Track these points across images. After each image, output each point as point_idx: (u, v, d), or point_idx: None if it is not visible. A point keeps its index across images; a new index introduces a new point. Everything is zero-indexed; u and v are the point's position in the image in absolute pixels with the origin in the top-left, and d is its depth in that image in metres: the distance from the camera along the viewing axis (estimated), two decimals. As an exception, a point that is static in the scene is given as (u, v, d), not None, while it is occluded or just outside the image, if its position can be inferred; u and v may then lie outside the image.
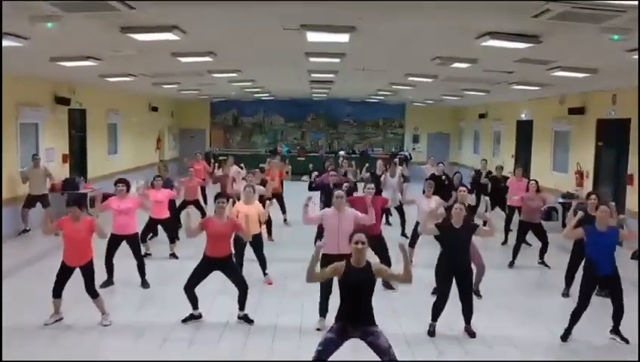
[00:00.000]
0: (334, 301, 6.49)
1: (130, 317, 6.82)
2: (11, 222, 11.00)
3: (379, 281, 7.96)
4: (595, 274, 6.29)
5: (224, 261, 6.68)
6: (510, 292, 8.26)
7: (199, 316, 6.75)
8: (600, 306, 6.82)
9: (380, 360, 4.64)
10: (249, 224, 7.93)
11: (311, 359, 4.63)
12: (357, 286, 4.63)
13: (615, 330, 6.37)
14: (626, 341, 6.29)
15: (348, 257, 4.75)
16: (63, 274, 6.48)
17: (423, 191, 11.94)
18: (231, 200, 7.77)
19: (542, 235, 9.66)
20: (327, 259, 6.50)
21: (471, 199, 10.66)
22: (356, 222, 6.56)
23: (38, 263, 9.13)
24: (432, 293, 7.82)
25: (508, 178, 12.36)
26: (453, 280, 6.43)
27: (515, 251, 9.66)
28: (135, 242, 8.03)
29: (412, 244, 9.35)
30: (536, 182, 9.88)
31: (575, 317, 6.34)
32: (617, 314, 6.32)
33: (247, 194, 8.10)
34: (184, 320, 6.69)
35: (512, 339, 6.46)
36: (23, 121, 11.46)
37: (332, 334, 4.69)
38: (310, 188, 10.86)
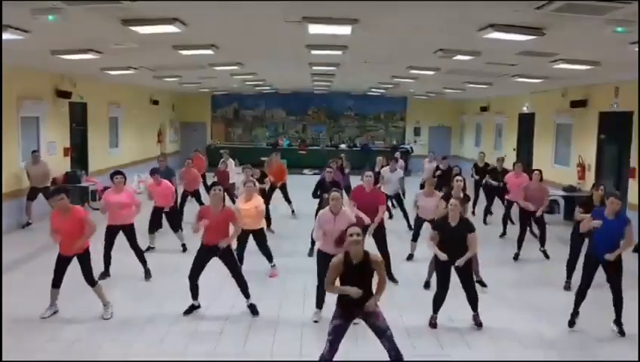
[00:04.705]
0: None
1: (130, 311, 6.82)
2: (14, 215, 11.02)
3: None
4: (596, 258, 6.32)
5: (221, 248, 6.68)
6: (511, 285, 8.25)
7: (199, 306, 6.78)
8: (605, 298, 6.81)
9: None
10: (251, 219, 7.95)
11: (324, 349, 4.74)
12: (357, 277, 4.73)
13: (617, 322, 6.38)
14: (623, 334, 6.31)
15: (346, 252, 4.76)
16: (61, 264, 6.47)
17: (421, 187, 11.95)
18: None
19: (541, 223, 9.63)
20: (323, 256, 6.55)
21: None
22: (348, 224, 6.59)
23: (39, 257, 9.14)
24: (425, 287, 7.85)
25: (507, 171, 12.35)
26: (452, 272, 6.43)
27: (520, 241, 9.61)
28: (131, 232, 7.95)
29: (415, 238, 9.35)
30: (540, 171, 9.79)
31: (580, 296, 6.38)
32: (617, 302, 6.34)
33: (247, 190, 8.07)
34: (185, 312, 6.70)
35: (513, 331, 6.47)
36: (24, 115, 11.44)
37: (339, 320, 4.80)
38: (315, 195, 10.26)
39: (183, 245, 9.70)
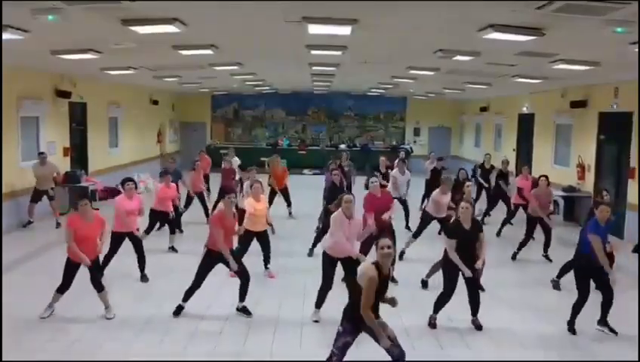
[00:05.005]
0: (331, 292, 6.56)
1: (129, 312, 6.80)
2: (14, 215, 11.01)
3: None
4: (590, 265, 6.33)
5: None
6: (511, 286, 8.26)
7: (184, 307, 6.72)
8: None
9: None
10: (258, 220, 7.98)
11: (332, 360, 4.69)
12: (383, 291, 4.71)
13: (603, 321, 6.42)
14: (615, 332, 6.34)
15: (377, 264, 4.63)
16: (72, 271, 6.43)
17: (427, 186, 11.95)
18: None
19: (547, 229, 9.62)
20: (329, 260, 6.55)
21: None
22: (359, 230, 6.61)
23: (39, 257, 9.15)
24: (422, 287, 7.85)
25: (509, 172, 12.36)
26: (460, 275, 6.42)
27: (522, 244, 9.62)
28: (137, 238, 7.99)
29: (416, 235, 9.36)
30: (547, 177, 9.78)
31: (576, 309, 6.41)
32: (607, 304, 6.38)
33: (255, 190, 8.11)
34: (175, 314, 6.66)
35: (513, 332, 6.47)
36: (23, 115, 11.44)
37: (348, 337, 4.70)
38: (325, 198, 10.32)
39: (173, 247, 9.67)
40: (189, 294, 6.70)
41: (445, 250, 6.57)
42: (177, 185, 10.27)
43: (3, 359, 5.39)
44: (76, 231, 6.29)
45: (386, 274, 4.67)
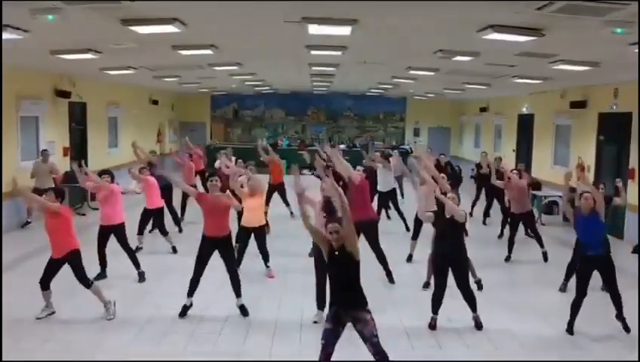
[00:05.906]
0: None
1: (128, 312, 6.78)
2: (13, 215, 11.00)
3: (381, 273, 8.05)
4: (585, 254, 6.38)
5: (223, 240, 6.67)
6: (510, 286, 8.27)
7: (191, 305, 6.70)
8: (601, 300, 6.83)
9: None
10: (254, 214, 7.97)
11: (320, 352, 4.73)
12: (340, 271, 4.77)
13: (619, 316, 6.42)
14: (627, 330, 6.34)
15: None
16: (50, 267, 6.46)
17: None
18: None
19: (531, 226, 9.62)
20: (318, 248, 6.57)
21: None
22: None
23: (39, 256, 9.09)
24: (423, 288, 7.85)
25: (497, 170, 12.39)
26: (449, 271, 6.44)
27: (510, 244, 9.60)
28: (120, 232, 7.88)
29: (415, 237, 9.35)
30: (519, 171, 10.05)
31: (575, 306, 6.39)
32: (615, 300, 6.39)
33: (252, 186, 8.12)
34: (180, 315, 6.65)
35: (512, 332, 6.47)
36: (23, 114, 11.43)
37: (329, 324, 4.79)
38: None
39: (173, 247, 9.63)
40: (193, 284, 6.68)
41: (432, 247, 6.69)
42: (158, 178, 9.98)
43: (3, 359, 5.38)
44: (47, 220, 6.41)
45: (338, 251, 4.73)
